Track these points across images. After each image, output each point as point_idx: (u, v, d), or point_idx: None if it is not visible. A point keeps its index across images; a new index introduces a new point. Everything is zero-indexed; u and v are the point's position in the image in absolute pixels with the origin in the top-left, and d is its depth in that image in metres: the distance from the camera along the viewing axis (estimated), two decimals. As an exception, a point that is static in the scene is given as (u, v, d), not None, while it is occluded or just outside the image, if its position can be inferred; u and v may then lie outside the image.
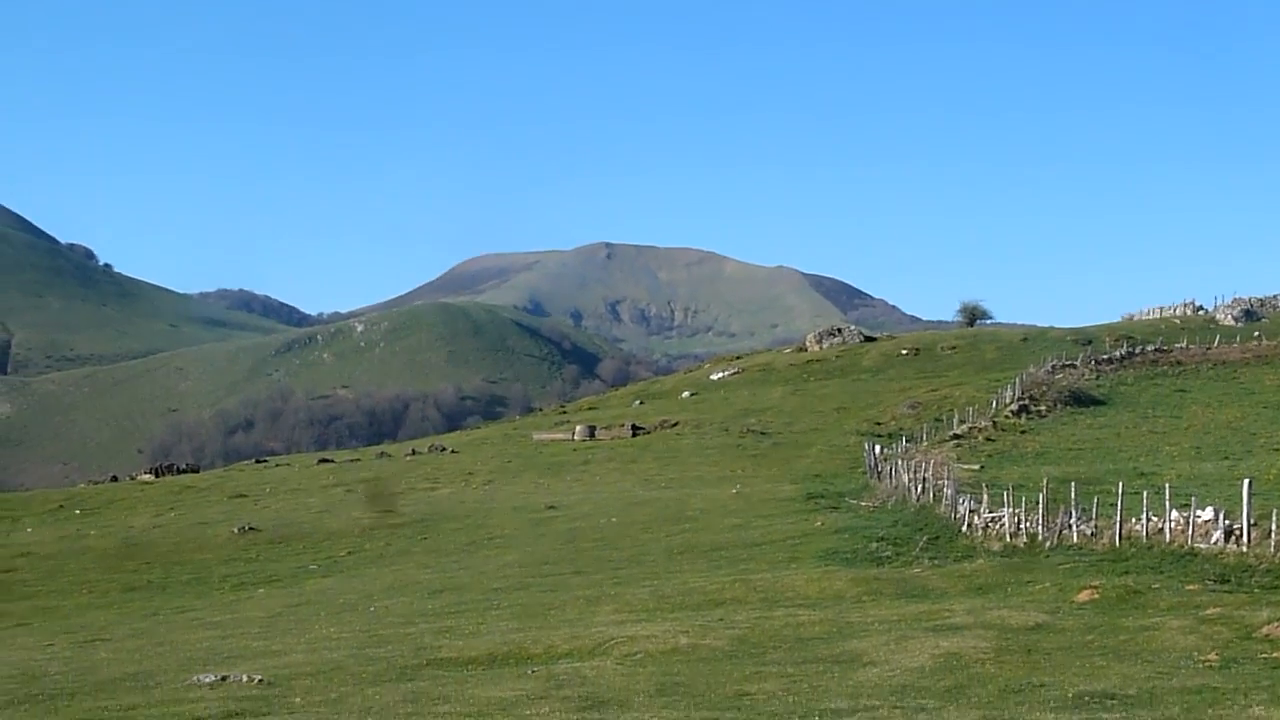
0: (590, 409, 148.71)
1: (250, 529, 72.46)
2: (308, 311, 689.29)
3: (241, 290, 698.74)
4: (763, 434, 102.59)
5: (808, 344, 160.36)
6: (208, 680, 25.56)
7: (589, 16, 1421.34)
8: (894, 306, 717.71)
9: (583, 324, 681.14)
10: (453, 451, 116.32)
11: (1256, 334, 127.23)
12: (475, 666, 27.34)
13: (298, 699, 23.43)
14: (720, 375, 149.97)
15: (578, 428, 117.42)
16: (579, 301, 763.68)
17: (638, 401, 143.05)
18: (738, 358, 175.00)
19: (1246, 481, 37.54)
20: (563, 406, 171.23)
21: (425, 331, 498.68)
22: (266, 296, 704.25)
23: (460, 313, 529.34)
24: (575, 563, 50.72)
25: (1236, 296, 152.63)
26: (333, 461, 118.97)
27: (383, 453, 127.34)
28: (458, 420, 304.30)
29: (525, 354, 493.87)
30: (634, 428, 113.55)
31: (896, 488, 64.32)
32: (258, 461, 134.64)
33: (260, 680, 25.52)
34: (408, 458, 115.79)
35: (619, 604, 36.77)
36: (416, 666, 27.36)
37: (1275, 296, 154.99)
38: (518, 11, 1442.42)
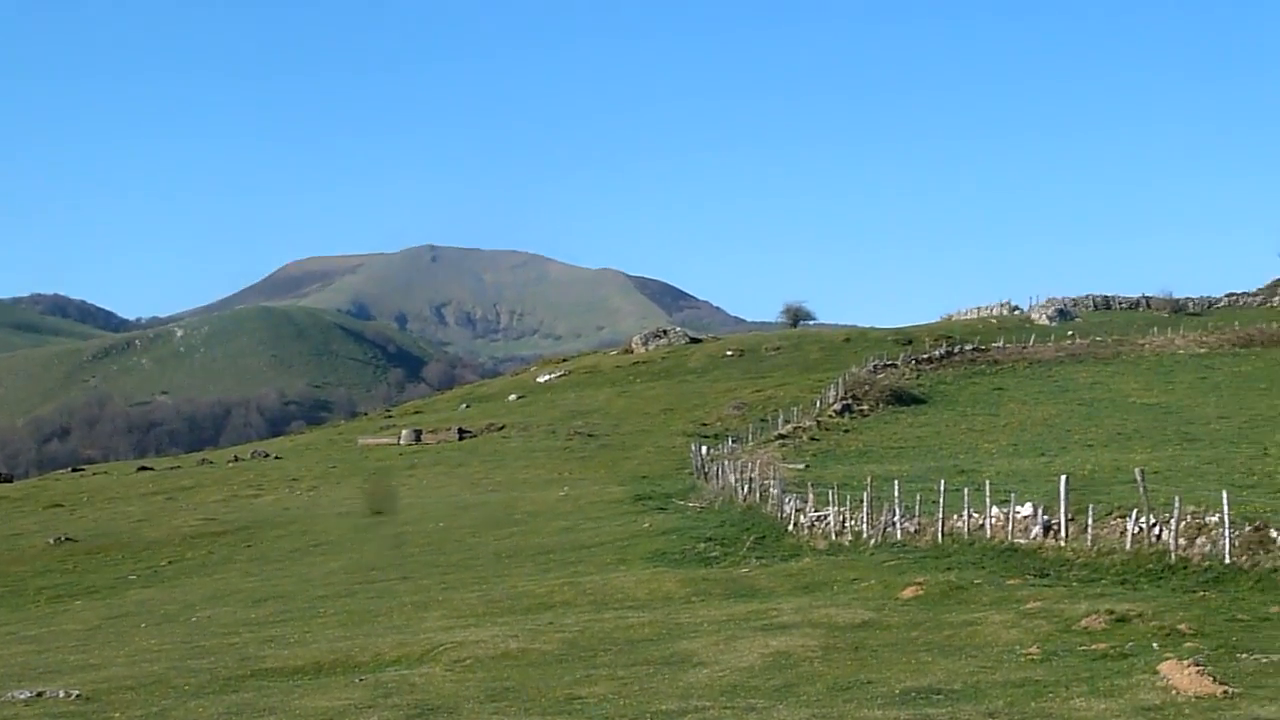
0: (416, 413, 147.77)
1: (66, 539, 70.74)
2: (126, 316, 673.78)
3: (56, 295, 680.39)
4: (590, 436, 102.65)
5: (634, 346, 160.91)
6: (23, 697, 24.77)
7: (390, 19, 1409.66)
8: (719, 308, 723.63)
9: (408, 327, 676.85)
10: (276, 458, 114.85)
11: (1070, 333, 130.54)
12: (301, 676, 26.89)
13: (117, 714, 22.83)
14: (547, 378, 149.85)
15: (404, 432, 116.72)
16: (404, 304, 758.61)
17: (464, 405, 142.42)
18: (564, 360, 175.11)
19: (1063, 477, 38.38)
20: (388, 410, 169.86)
21: (247, 336, 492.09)
22: (82, 301, 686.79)
23: (283, 316, 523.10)
24: (402, 568, 50.26)
25: (1050, 297, 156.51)
26: (152, 469, 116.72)
27: (204, 459, 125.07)
28: (281, 426, 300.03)
29: (350, 358, 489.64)
30: (460, 431, 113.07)
31: (724, 488, 64.72)
32: (74, 470, 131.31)
33: (78, 695, 24.81)
34: (230, 464, 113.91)
35: (447, 609, 36.46)
36: (241, 677, 26.82)
37: (1087, 296, 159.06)
38: (325, 12, 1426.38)
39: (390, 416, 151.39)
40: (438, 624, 33.40)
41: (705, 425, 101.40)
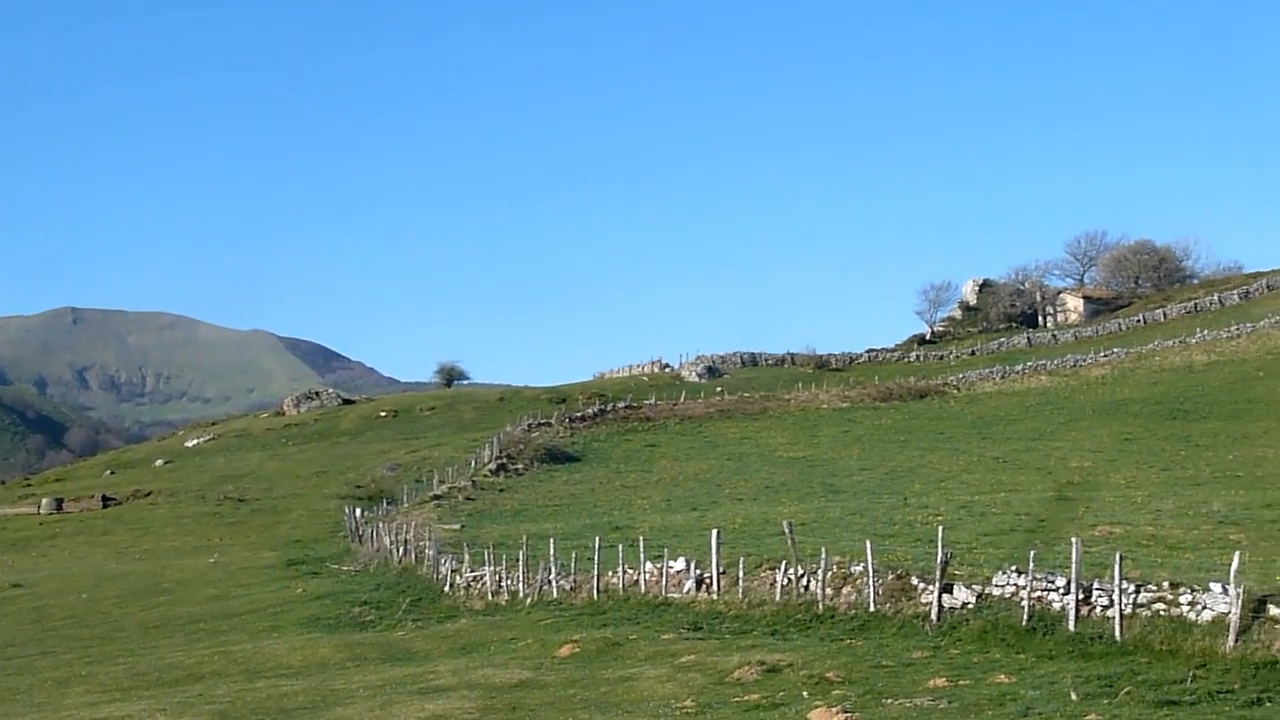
0: (57, 480, 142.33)
1: None
2: None
3: None
4: (241, 501, 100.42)
5: (285, 408, 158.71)
6: None
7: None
8: (372, 369, 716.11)
9: (48, 392, 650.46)
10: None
11: (719, 389, 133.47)
12: (-69, 761, 25.49)
13: None
14: (196, 442, 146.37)
15: (44, 500, 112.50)
16: (44, 368, 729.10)
17: (109, 471, 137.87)
18: (214, 423, 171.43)
19: (715, 531, 39.15)
20: (27, 479, 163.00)
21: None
22: None
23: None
24: (43, 643, 48.14)
25: (700, 354, 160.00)
26: None
27: None
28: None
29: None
30: (105, 499, 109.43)
31: (379, 550, 64.07)
32: None
33: None
34: None
35: (91, 684, 35.05)
36: None
37: (735, 353, 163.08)
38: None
39: (29, 485, 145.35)
40: (80, 700, 32.08)
41: (360, 487, 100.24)
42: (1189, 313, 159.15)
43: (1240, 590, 25.91)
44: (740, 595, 36.63)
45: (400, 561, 58.99)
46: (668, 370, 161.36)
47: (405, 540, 60.79)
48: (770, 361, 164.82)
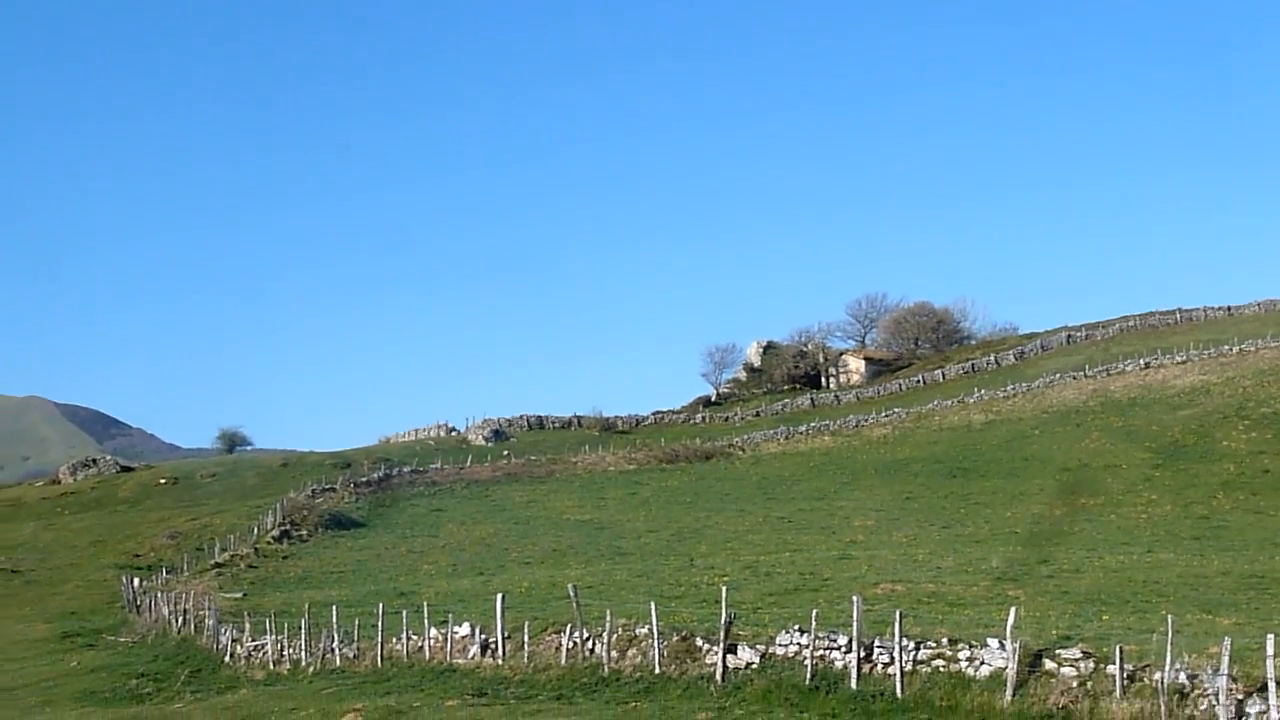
0: None
1: None
2: None
3: None
4: (14, 572, 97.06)
5: (61, 476, 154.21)
6: None
7: None
8: (152, 435, 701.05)
9: None
10: None
11: (505, 453, 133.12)
12: None
13: None
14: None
15: None
16: None
17: None
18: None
19: (500, 596, 38.90)
20: None
21: None
22: None
23: None
24: None
25: (486, 417, 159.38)
26: None
27: None
28: None
29: None
30: None
31: (157, 621, 62.47)
32: None
33: None
34: None
35: None
36: None
37: (521, 416, 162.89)
38: None
39: None
40: None
41: (138, 556, 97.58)
42: (966, 373, 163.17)
43: (1017, 645, 26.43)
44: (525, 660, 36.39)
45: (179, 631, 57.56)
46: (454, 434, 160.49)
47: (184, 610, 59.34)
48: (557, 424, 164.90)
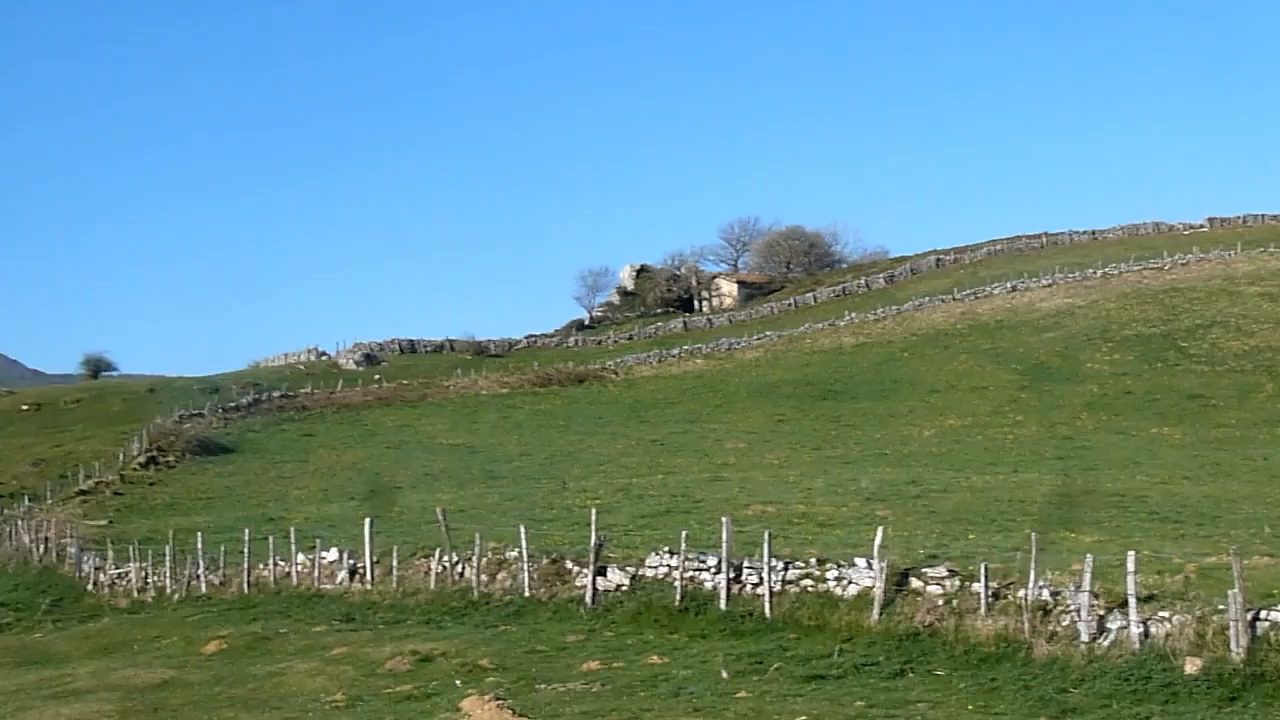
0: None
1: None
2: None
3: None
4: None
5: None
6: None
7: None
8: (15, 360, 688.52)
9: None
10: None
11: (377, 377, 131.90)
12: None
13: None
14: None
15: None
16: None
17: None
18: None
19: (368, 520, 38.53)
20: None
21: None
22: None
23: None
24: None
25: (357, 341, 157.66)
26: None
27: None
28: None
29: None
30: None
31: (18, 549, 61.43)
32: None
33: None
34: None
35: None
36: None
37: (393, 340, 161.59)
38: None
39: None
40: None
41: (0, 484, 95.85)
42: (838, 296, 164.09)
43: (884, 564, 26.56)
44: (394, 585, 36.11)
45: (40, 560, 56.58)
46: (324, 358, 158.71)
47: (46, 538, 58.33)
48: (429, 348, 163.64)
